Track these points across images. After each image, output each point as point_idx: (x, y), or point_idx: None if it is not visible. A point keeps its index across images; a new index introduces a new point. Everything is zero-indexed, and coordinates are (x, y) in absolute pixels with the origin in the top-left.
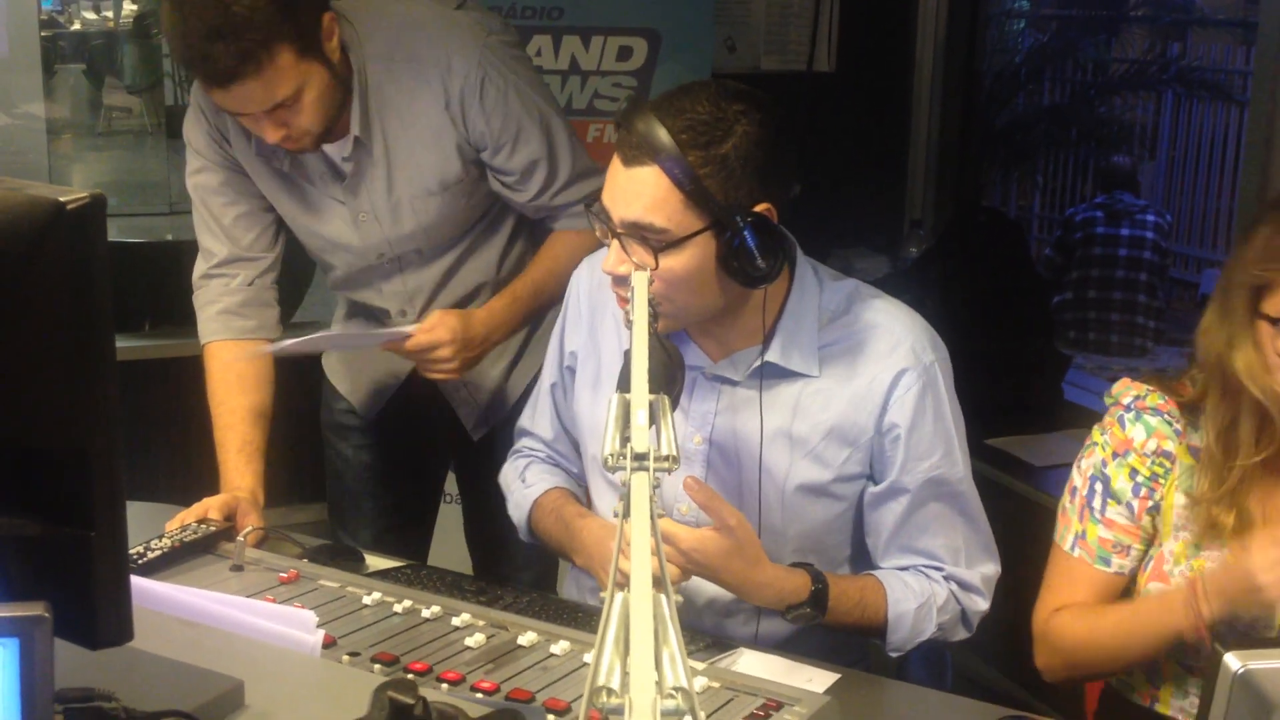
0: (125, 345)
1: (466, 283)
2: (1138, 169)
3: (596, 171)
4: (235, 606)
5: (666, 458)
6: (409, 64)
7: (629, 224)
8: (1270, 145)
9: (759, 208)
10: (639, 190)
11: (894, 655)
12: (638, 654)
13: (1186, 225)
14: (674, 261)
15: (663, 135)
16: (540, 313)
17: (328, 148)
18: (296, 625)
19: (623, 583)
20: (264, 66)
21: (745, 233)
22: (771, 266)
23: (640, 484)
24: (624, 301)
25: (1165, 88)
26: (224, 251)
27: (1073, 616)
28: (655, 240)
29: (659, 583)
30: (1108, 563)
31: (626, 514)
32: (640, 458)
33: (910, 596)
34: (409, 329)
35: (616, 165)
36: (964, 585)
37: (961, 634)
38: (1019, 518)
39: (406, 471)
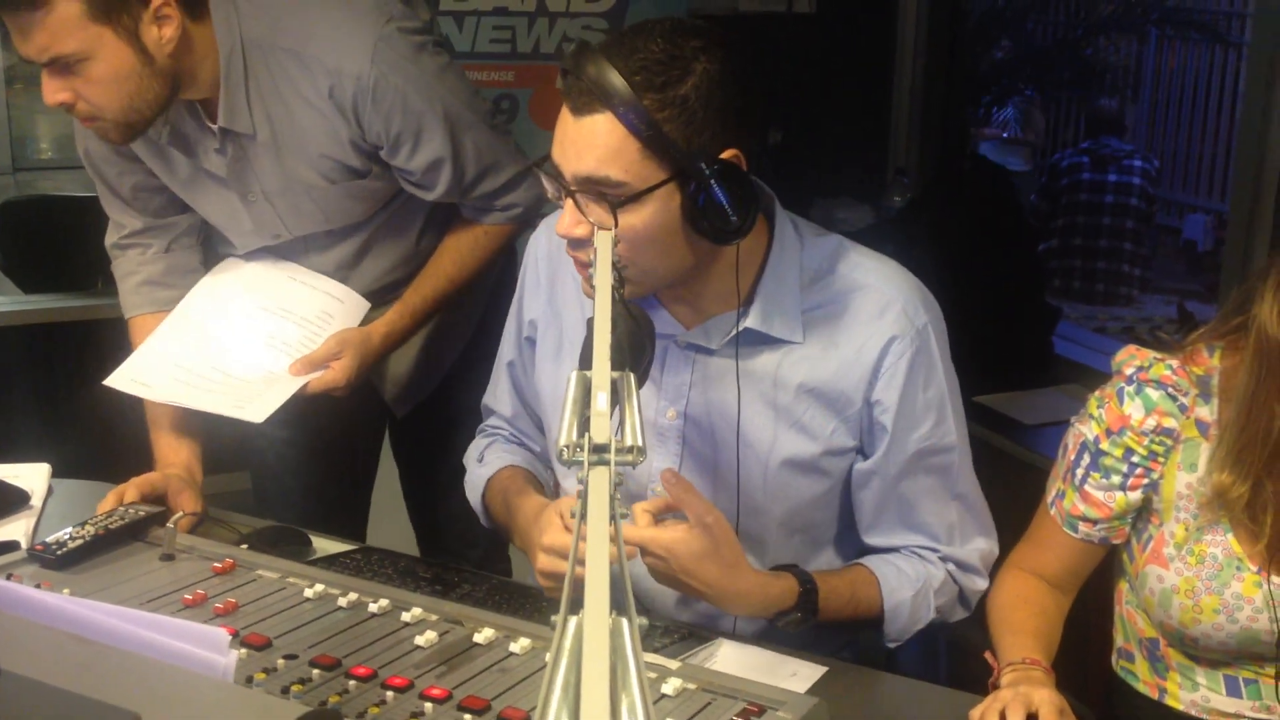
0: (77, 305)
1: (382, 261)
2: (1124, 112)
3: (512, 161)
4: (134, 621)
5: (631, 449)
6: (294, 59)
7: (582, 179)
8: (1271, 89)
9: (726, 154)
10: (591, 141)
11: (891, 645)
12: (589, 712)
13: (1170, 169)
14: (635, 218)
15: (614, 78)
16: (440, 313)
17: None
18: (205, 645)
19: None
20: (38, 5)
21: (712, 182)
22: (744, 220)
23: (599, 481)
24: (583, 268)
25: (1152, 28)
26: (133, 222)
27: (1006, 593)
28: (612, 196)
29: (620, 603)
30: (1074, 529)
31: (584, 516)
32: (600, 449)
33: (905, 584)
34: (305, 379)
35: (566, 117)
36: (962, 565)
37: (960, 614)
38: (1009, 479)
39: (331, 447)
